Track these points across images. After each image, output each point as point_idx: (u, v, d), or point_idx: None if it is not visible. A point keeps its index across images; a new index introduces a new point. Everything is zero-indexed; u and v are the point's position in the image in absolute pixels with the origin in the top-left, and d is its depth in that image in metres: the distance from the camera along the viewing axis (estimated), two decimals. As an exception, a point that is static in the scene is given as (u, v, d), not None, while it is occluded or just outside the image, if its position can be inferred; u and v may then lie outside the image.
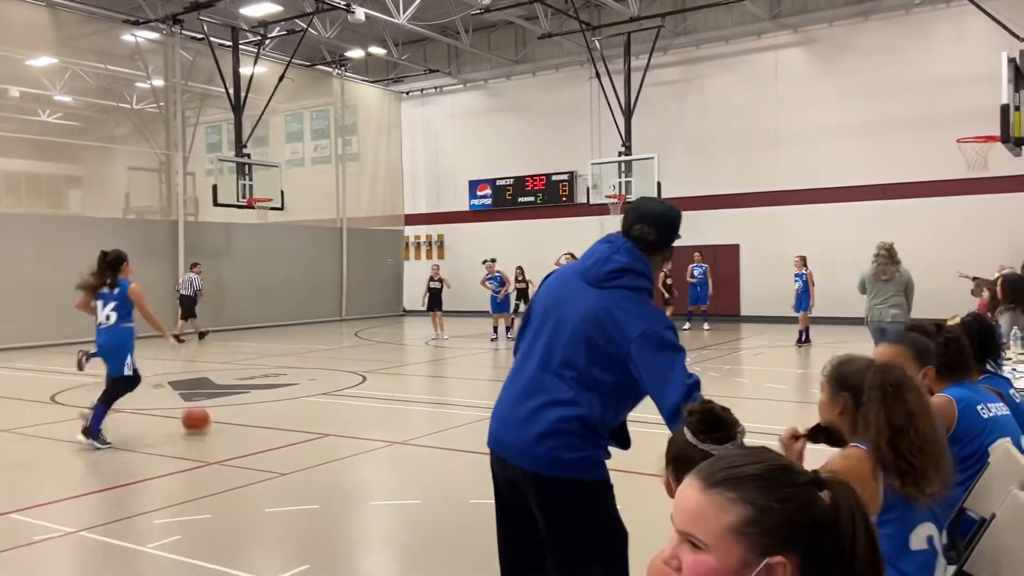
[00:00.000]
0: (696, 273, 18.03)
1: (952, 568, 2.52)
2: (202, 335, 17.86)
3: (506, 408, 2.69)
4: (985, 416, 3.21)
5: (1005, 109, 10.96)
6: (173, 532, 4.89)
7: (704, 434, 1.94)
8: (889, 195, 18.20)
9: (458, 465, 6.80)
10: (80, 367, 8.03)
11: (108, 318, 7.68)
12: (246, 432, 8.07)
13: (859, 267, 18.36)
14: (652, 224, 2.68)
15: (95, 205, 19.71)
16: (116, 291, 7.67)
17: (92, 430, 7.27)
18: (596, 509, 2.55)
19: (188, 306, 17.35)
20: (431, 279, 17.90)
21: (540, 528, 2.60)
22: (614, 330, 2.54)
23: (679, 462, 1.90)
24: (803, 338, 15.01)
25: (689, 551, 1.17)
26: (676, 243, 2.82)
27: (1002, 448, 2.94)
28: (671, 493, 1.83)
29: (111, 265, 7.78)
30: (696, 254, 18.20)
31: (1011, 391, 3.73)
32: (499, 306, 16.80)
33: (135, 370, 7.62)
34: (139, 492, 5.94)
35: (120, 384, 7.57)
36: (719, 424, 1.97)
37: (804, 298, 15.14)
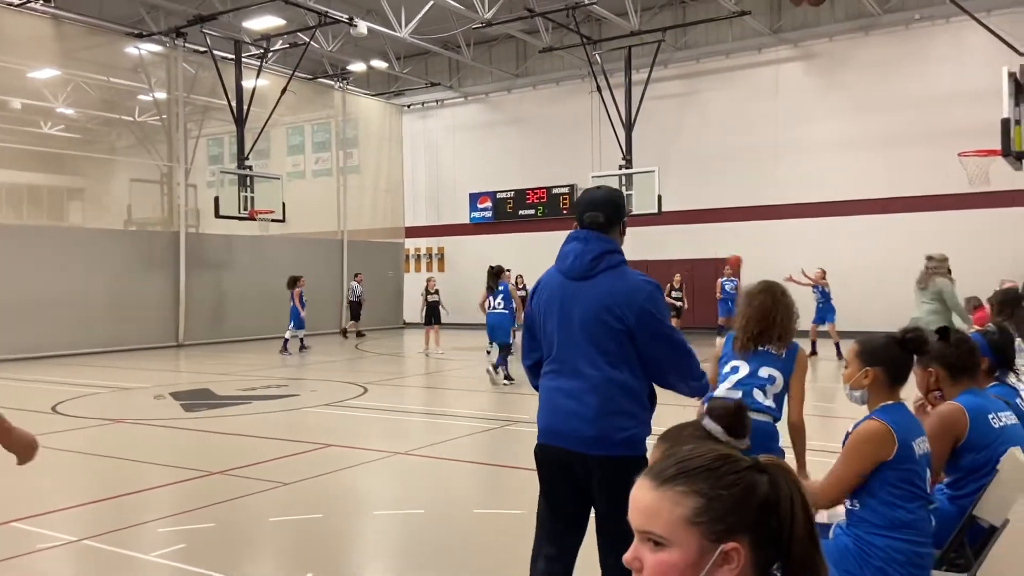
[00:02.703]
0: (727, 288, 17.69)
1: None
2: (360, 334, 21.21)
3: (556, 401, 2.99)
4: (997, 426, 3.22)
5: (1006, 123, 11.01)
6: (177, 541, 4.88)
7: (730, 431, 2.08)
8: (890, 209, 18.24)
9: (461, 476, 6.79)
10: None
11: (498, 305, 12.12)
12: (249, 442, 8.06)
13: (860, 280, 18.43)
14: (599, 208, 3.06)
15: (96, 217, 19.76)
16: (500, 289, 12.18)
17: (497, 365, 11.70)
18: None
19: (355, 310, 21.10)
20: (429, 292, 17.75)
21: (596, 507, 2.96)
22: (617, 306, 2.89)
23: None
24: (824, 350, 14.96)
25: (650, 550, 1.22)
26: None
27: (1011, 457, 2.94)
28: None
29: (496, 274, 12.36)
30: (727, 268, 17.92)
31: (1017, 400, 3.74)
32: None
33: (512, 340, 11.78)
34: (143, 501, 5.92)
35: (507, 347, 11.83)
36: (742, 426, 2.11)
37: (828, 310, 15.17)
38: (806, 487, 2.77)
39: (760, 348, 3.78)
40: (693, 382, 3.06)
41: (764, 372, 3.75)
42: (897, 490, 2.69)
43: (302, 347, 17.34)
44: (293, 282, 17.40)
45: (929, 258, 9.42)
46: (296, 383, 12.39)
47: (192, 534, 5.02)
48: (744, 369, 3.77)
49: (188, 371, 14.96)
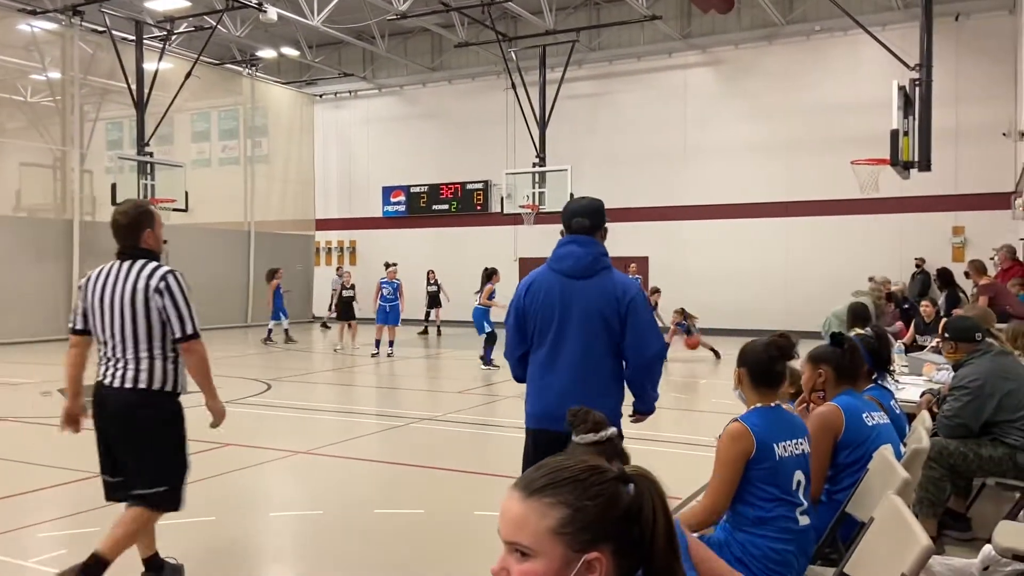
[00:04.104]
0: None
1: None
2: (325, 326, 22.14)
3: (551, 387, 3.40)
4: (870, 424, 3.40)
5: (895, 134, 11.60)
6: (58, 546, 4.66)
7: (572, 425, 2.00)
8: (789, 212, 18.98)
9: (364, 475, 6.71)
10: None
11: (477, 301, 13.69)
12: (141, 441, 7.73)
13: (762, 281, 19.07)
14: (585, 215, 3.49)
15: (-18, 201, 18.61)
16: (480, 286, 13.73)
17: (486, 359, 12.86)
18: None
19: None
20: (343, 287, 17.33)
21: None
22: (616, 300, 3.35)
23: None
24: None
25: (516, 561, 1.24)
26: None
27: (881, 455, 3.10)
28: None
29: (489, 276, 13.57)
30: (632, 265, 18.22)
31: (892, 402, 3.97)
32: (386, 317, 15.24)
33: (493, 329, 12.59)
34: (23, 504, 5.62)
35: (489, 336, 12.89)
36: (582, 421, 2.02)
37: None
38: (689, 512, 2.85)
39: None
40: (652, 392, 3.51)
41: None
42: (756, 488, 2.78)
43: (287, 339, 17.78)
44: (272, 274, 17.75)
45: (870, 279, 9.85)
46: (196, 379, 11.97)
47: (75, 539, 4.80)
48: None
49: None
